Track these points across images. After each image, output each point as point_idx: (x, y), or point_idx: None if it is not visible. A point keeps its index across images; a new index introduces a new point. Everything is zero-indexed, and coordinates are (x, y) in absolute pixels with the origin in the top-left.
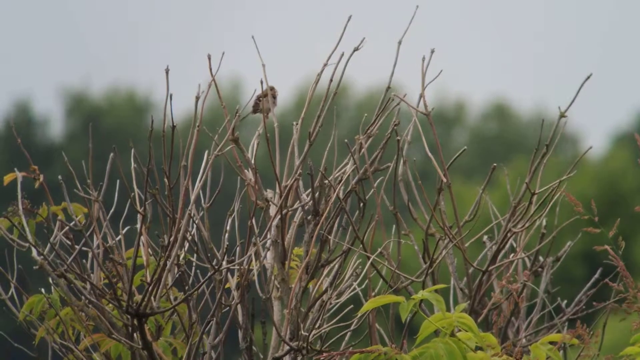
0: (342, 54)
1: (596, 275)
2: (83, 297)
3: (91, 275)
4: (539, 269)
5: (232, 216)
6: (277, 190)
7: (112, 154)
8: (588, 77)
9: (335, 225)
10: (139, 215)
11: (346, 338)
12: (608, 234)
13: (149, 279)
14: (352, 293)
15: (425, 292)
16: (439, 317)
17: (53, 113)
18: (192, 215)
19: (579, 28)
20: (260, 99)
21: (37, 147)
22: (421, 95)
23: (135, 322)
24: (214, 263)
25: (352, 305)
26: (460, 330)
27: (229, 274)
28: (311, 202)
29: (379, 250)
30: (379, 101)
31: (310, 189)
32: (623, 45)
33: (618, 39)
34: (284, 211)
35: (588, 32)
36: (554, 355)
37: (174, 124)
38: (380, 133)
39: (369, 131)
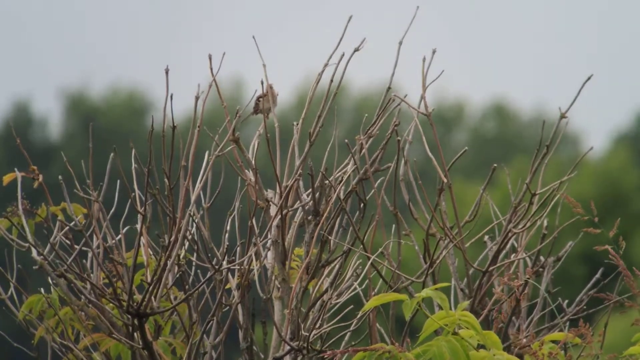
0: (343, 54)
1: (597, 275)
2: (83, 297)
3: (91, 275)
4: (540, 269)
5: (233, 216)
6: (278, 190)
7: (112, 154)
8: (589, 78)
9: (336, 225)
10: (139, 215)
11: (346, 338)
12: (608, 234)
13: (149, 279)
14: (353, 293)
15: (428, 290)
16: (442, 315)
17: (52, 113)
18: (192, 215)
19: (580, 28)
20: (260, 99)
21: (36, 147)
22: (422, 97)
23: (136, 321)
24: (214, 263)
25: (352, 305)
26: (461, 329)
27: (229, 274)
28: (311, 202)
29: (380, 250)
30: (379, 101)
31: (310, 189)
32: (624, 46)
33: (619, 39)
34: (285, 211)
35: (588, 32)
36: (558, 354)
37: (174, 124)
38: (380, 133)
39: (369, 131)
